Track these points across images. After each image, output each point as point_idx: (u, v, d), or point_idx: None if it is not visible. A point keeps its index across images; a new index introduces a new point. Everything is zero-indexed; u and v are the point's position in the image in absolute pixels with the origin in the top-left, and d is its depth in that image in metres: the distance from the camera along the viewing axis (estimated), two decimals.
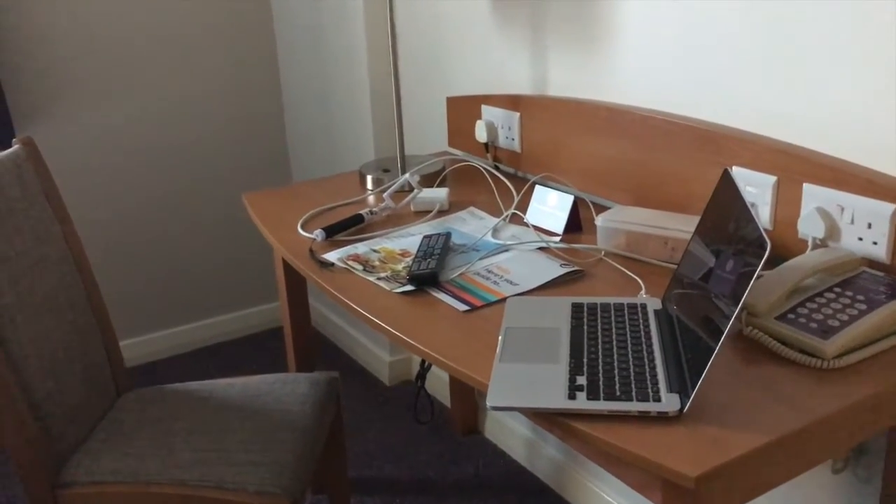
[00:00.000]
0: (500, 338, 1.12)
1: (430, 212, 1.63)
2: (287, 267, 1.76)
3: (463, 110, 1.96)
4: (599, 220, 1.39)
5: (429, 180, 1.78)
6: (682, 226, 1.32)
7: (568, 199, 1.49)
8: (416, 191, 1.64)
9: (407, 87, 2.25)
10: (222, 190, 2.79)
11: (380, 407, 2.45)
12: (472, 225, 1.55)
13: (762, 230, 0.89)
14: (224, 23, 2.64)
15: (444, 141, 2.12)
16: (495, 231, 1.51)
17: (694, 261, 1.11)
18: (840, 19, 1.18)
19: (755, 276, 0.87)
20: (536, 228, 1.50)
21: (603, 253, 1.39)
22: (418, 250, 1.40)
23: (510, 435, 2.18)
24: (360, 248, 1.47)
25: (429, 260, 1.35)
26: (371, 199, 1.75)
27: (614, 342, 1.08)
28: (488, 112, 1.87)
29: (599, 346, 1.07)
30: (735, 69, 1.35)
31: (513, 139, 1.81)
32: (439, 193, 1.66)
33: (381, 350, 2.56)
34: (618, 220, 1.37)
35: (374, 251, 1.45)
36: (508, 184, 1.75)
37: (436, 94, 2.13)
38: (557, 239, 1.46)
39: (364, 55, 2.23)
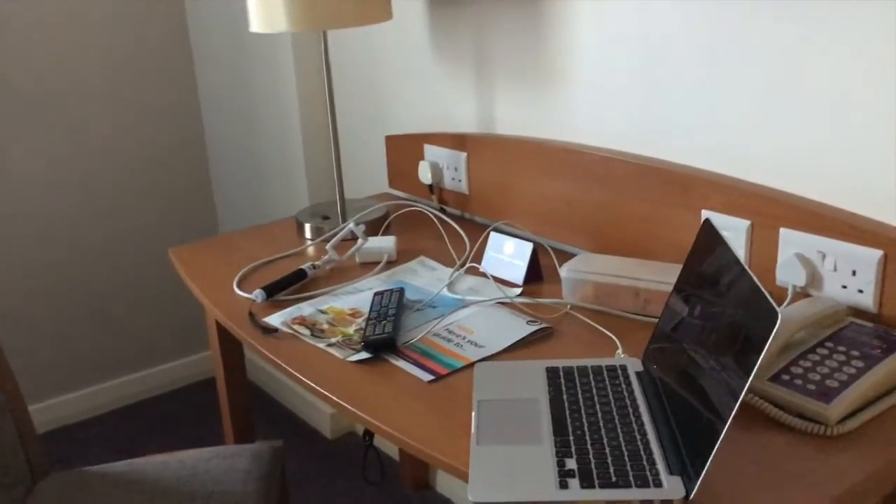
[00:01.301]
0: (473, 414, 1.01)
1: (378, 263, 1.51)
2: (221, 328, 1.61)
3: (404, 150, 1.85)
4: (564, 271, 1.29)
5: (372, 227, 1.67)
6: (655, 275, 1.24)
7: (527, 247, 1.39)
8: (360, 241, 1.52)
9: (341, 124, 2.13)
10: (141, 237, 2.61)
11: (322, 461, 2.30)
12: (424, 277, 1.44)
13: (771, 300, 0.81)
14: (141, 58, 2.48)
15: (383, 182, 2.01)
16: (451, 284, 1.40)
17: (677, 319, 1.03)
18: (817, 57, 1.12)
19: (765, 350, 0.78)
20: (495, 279, 1.40)
21: (569, 306, 1.29)
22: (371, 310, 1.28)
23: (463, 487, 2.06)
24: (306, 309, 1.34)
25: (384, 322, 1.23)
26: (311, 250, 1.62)
27: (599, 414, 0.98)
28: (432, 152, 1.77)
29: (584, 420, 0.97)
30: (702, 107, 1.28)
31: (460, 180, 1.71)
32: (386, 243, 1.54)
33: (322, 402, 2.41)
34: (584, 270, 1.28)
35: (322, 312, 1.33)
36: (459, 229, 1.64)
37: (373, 133, 2.02)
38: (518, 291, 1.36)
39: (294, 94, 2.11)
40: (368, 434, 2.04)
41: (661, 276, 1.23)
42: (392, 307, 1.27)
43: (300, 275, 1.44)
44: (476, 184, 1.68)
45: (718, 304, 0.92)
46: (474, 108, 1.70)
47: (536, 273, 1.41)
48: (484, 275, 1.42)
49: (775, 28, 1.16)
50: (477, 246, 1.55)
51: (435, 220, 1.71)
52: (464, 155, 1.68)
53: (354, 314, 1.32)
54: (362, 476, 2.21)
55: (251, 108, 2.34)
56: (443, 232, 1.65)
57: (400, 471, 2.18)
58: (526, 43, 1.54)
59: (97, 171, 2.48)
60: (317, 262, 1.47)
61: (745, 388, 0.80)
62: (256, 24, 1.52)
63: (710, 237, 1.01)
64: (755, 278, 0.85)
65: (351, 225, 1.52)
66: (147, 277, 2.65)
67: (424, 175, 1.77)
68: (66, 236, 2.48)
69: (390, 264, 1.51)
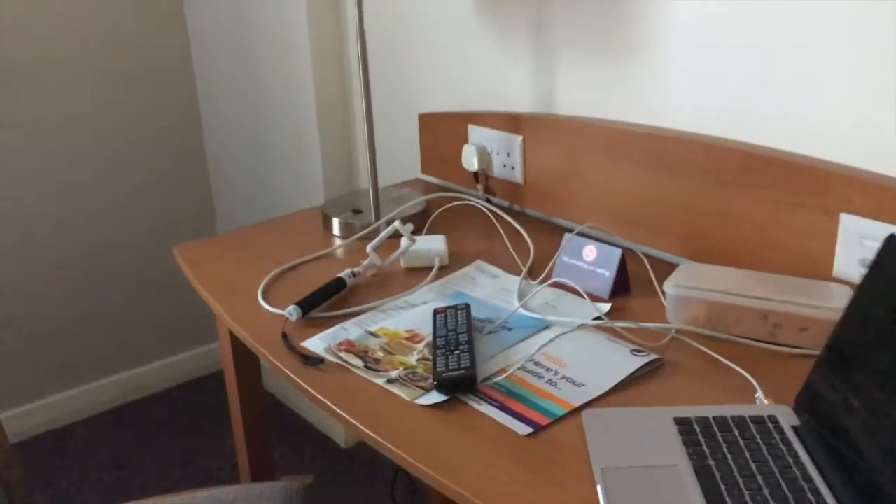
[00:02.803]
0: (598, 488, 0.78)
1: (427, 269, 1.28)
2: (235, 341, 1.37)
3: (443, 131, 1.60)
4: (670, 287, 1.06)
5: (413, 223, 1.43)
6: (785, 294, 1.01)
7: (615, 254, 1.16)
8: (407, 242, 1.28)
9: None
10: (123, 226, 2.35)
11: (339, 476, 2.08)
12: (486, 287, 1.21)
13: None
14: (129, 28, 2.20)
15: (414, 167, 1.77)
16: (523, 297, 1.17)
17: (855, 355, 0.80)
18: None
19: None
20: (573, 291, 1.17)
21: (674, 330, 1.07)
22: (435, 334, 1.05)
23: None
24: (352, 331, 1.10)
25: (456, 352, 0.99)
26: (340, 251, 1.37)
27: (766, 491, 0.76)
28: (479, 134, 1.52)
29: (748, 501, 0.75)
30: (834, 84, 1.05)
31: (513, 167, 1.47)
32: (436, 244, 1.30)
33: None
34: (694, 286, 1.05)
35: (373, 335, 1.09)
36: (518, 226, 1.40)
37: (402, 111, 1.77)
38: (606, 308, 1.13)
39: (308, 64, 1.85)
40: None
41: (795, 296, 1.00)
42: (461, 331, 1.04)
43: (339, 284, 1.20)
44: (533, 172, 1.44)
45: None
46: (529, 84, 1.46)
47: (624, 284, 1.18)
48: (560, 284, 1.19)
49: None
50: (539, 250, 1.32)
51: (489, 214, 1.47)
52: (519, 138, 1.44)
53: (413, 337, 1.08)
54: (391, 497, 1.98)
55: (254, 79, 2.07)
56: (500, 229, 1.41)
57: (430, 491, 1.96)
58: (599, 9, 1.29)
59: (89, 164, 2.21)
60: (356, 269, 1.23)
61: None
62: None
63: None
64: None
65: (397, 223, 1.28)
66: (138, 270, 2.38)
67: (469, 161, 1.52)
68: (47, 225, 2.21)
69: (442, 270, 1.27)
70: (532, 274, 1.25)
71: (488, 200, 1.56)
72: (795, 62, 1.08)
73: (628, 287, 1.18)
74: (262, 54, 2.02)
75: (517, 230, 1.40)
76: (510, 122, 1.46)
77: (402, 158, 1.80)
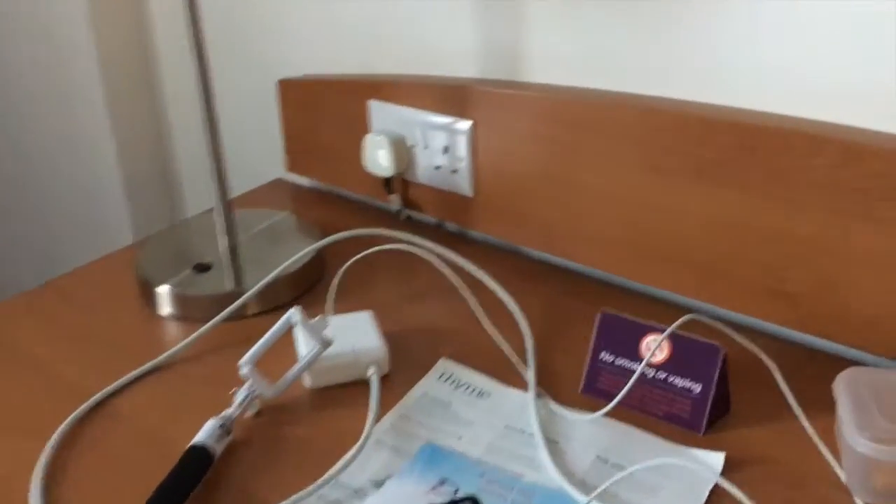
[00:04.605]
0: None
1: (354, 386, 0.70)
2: None
3: (323, 107, 1.00)
4: (857, 438, 0.56)
5: (294, 283, 0.84)
6: None
7: (709, 355, 0.64)
8: (314, 349, 0.69)
9: (175, 69, 1.21)
10: None
11: None
12: (477, 424, 0.65)
13: None
14: None
15: (273, 161, 1.15)
16: (549, 434, 0.63)
17: None
18: None
19: None
20: (634, 418, 0.65)
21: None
22: None
23: None
24: None
25: None
26: (183, 361, 0.76)
27: None
28: (388, 114, 0.94)
29: None
30: None
31: (455, 171, 0.91)
32: (361, 334, 0.72)
33: None
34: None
35: None
36: (491, 282, 0.84)
37: (244, 76, 1.13)
38: (719, 462, 0.62)
39: (85, 31, 1.16)
40: None
41: None
42: None
43: (198, 461, 0.60)
44: (490, 179, 0.88)
45: None
46: (479, 28, 0.88)
47: (724, 403, 0.67)
48: (620, 412, 0.66)
49: None
50: (535, 319, 0.78)
51: (433, 258, 0.88)
52: (465, 124, 0.87)
53: None
54: None
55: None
56: (451, 279, 0.84)
57: None
58: None
59: None
60: (226, 414, 0.64)
61: None
62: None
63: None
64: None
65: (292, 313, 0.68)
66: None
67: (375, 160, 0.94)
68: None
69: (385, 383, 0.70)
70: (547, 380, 0.71)
71: (409, 220, 0.99)
72: None
73: (728, 405, 0.67)
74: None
75: (487, 286, 0.84)
76: (448, 95, 0.88)
77: (250, 147, 1.18)
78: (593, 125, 0.78)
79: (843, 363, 0.69)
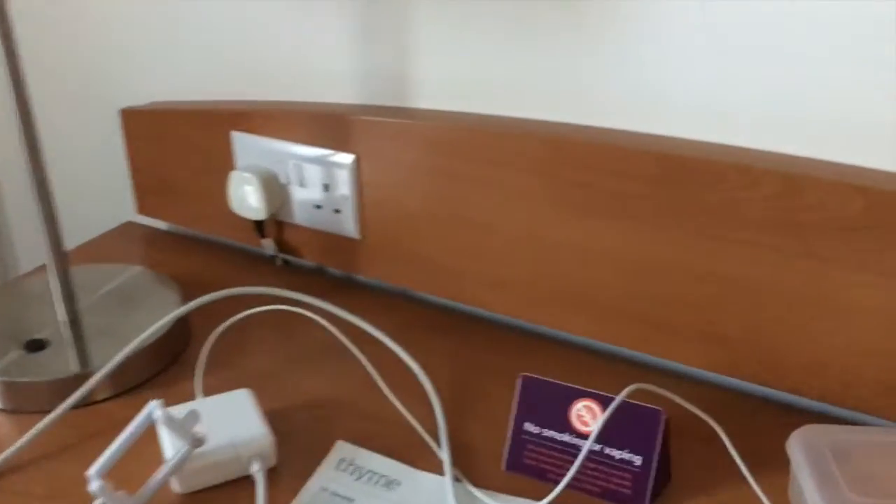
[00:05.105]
0: None
1: (236, 486, 0.58)
2: None
3: (177, 140, 0.86)
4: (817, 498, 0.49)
5: (154, 355, 0.70)
6: None
7: (649, 419, 0.56)
8: (182, 450, 0.56)
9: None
10: None
11: None
12: None
13: None
14: None
15: (120, 201, 0.99)
16: None
17: None
18: None
19: None
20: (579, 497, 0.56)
21: None
22: None
23: None
24: None
25: None
26: (18, 467, 0.62)
27: None
28: (255, 147, 0.81)
29: None
30: None
31: (338, 210, 0.79)
32: (240, 420, 0.60)
33: None
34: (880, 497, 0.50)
35: None
36: (380, 336, 0.72)
37: (83, 103, 0.98)
38: None
39: None
40: None
41: None
42: None
43: None
44: (378, 217, 0.78)
45: None
46: (359, 44, 0.77)
47: (665, 471, 0.59)
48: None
49: None
50: (442, 384, 0.68)
51: (319, 317, 0.76)
52: (348, 158, 0.76)
53: None
54: None
55: None
56: (339, 336, 0.73)
57: None
58: None
59: None
60: None
61: None
62: None
63: None
64: None
65: (152, 407, 0.55)
66: None
67: (243, 199, 0.81)
68: None
69: (271, 478, 0.58)
70: (464, 457, 0.61)
71: (286, 265, 0.87)
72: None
73: (669, 473, 0.60)
74: None
75: (372, 336, 0.73)
76: (325, 125, 0.77)
77: (95, 187, 1.02)
78: (494, 156, 0.69)
79: (792, 412, 0.63)
